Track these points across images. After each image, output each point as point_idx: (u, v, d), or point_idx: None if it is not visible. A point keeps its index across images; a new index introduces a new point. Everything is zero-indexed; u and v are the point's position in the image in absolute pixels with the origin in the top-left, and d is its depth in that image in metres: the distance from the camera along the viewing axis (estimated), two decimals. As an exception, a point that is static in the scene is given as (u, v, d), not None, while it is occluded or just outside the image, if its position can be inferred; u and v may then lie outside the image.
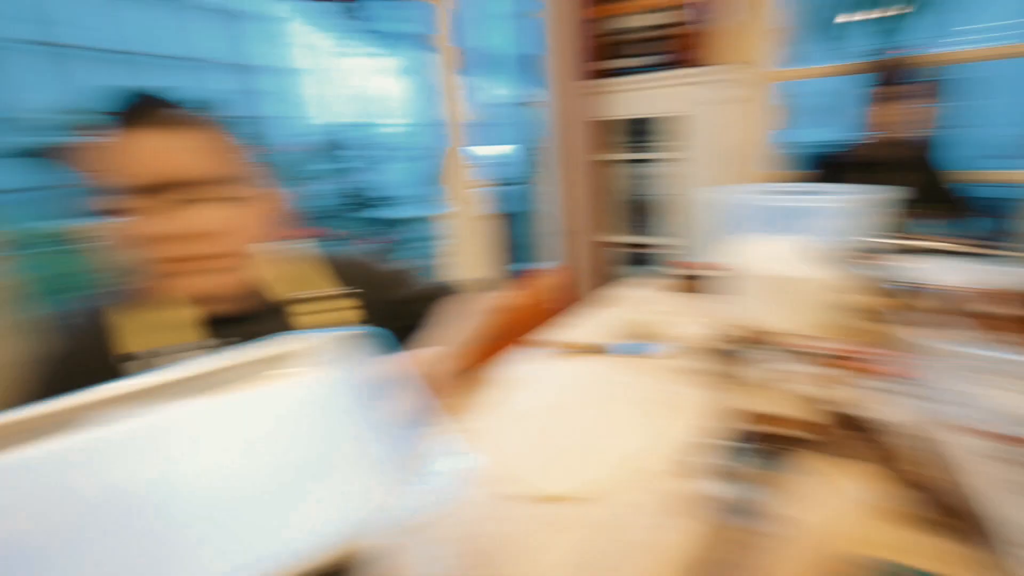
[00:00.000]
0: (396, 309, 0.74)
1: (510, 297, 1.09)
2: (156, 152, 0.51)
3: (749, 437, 0.55)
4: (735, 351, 0.75)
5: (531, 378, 0.77)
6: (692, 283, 1.17)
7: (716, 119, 1.62)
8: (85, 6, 2.75)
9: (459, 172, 1.80)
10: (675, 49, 1.63)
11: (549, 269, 1.61)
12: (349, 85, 5.09)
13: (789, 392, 0.70)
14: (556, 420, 0.64)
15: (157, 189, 0.50)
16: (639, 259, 1.99)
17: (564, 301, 1.91)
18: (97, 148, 0.51)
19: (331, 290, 0.69)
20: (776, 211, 0.87)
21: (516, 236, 2.23)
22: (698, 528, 0.44)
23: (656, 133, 1.78)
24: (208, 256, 0.54)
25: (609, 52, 1.77)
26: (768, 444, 0.53)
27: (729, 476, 0.49)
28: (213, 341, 0.57)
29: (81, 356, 0.55)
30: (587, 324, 1.02)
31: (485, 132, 1.77)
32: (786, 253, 0.86)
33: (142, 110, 0.52)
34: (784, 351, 0.79)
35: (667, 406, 0.67)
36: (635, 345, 0.86)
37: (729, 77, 1.62)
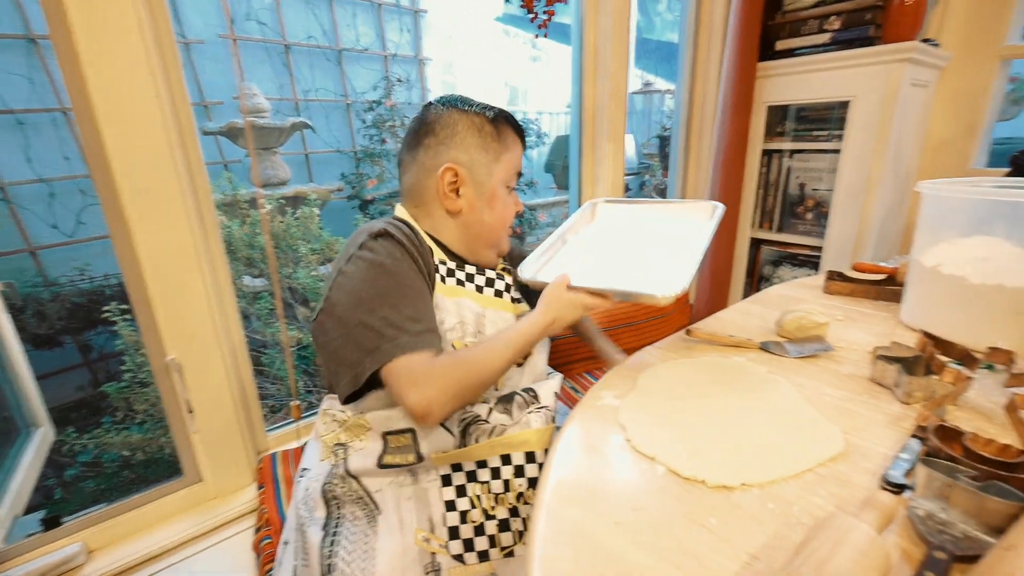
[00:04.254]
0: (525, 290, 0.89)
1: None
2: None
3: (943, 455, 0.50)
4: (920, 362, 0.68)
5: (683, 369, 0.76)
6: (863, 287, 1.06)
7: (906, 104, 1.42)
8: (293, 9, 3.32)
9: (594, 160, 1.79)
10: (859, 23, 1.45)
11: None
12: (498, 73, 5.24)
13: (985, 412, 0.63)
14: (719, 413, 0.63)
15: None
16: (796, 259, 1.84)
17: (706, 298, 1.84)
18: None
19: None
20: (981, 207, 0.76)
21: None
22: (892, 541, 0.41)
23: (828, 121, 1.62)
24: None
25: (782, 30, 1.63)
26: (965, 466, 0.48)
27: (929, 494, 0.46)
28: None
29: (419, 256, 0.74)
30: (737, 321, 0.98)
31: (623, 120, 1.73)
32: (984, 256, 0.75)
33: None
34: (980, 366, 0.70)
35: (845, 412, 0.63)
36: (800, 346, 0.81)
37: (929, 56, 1.42)
